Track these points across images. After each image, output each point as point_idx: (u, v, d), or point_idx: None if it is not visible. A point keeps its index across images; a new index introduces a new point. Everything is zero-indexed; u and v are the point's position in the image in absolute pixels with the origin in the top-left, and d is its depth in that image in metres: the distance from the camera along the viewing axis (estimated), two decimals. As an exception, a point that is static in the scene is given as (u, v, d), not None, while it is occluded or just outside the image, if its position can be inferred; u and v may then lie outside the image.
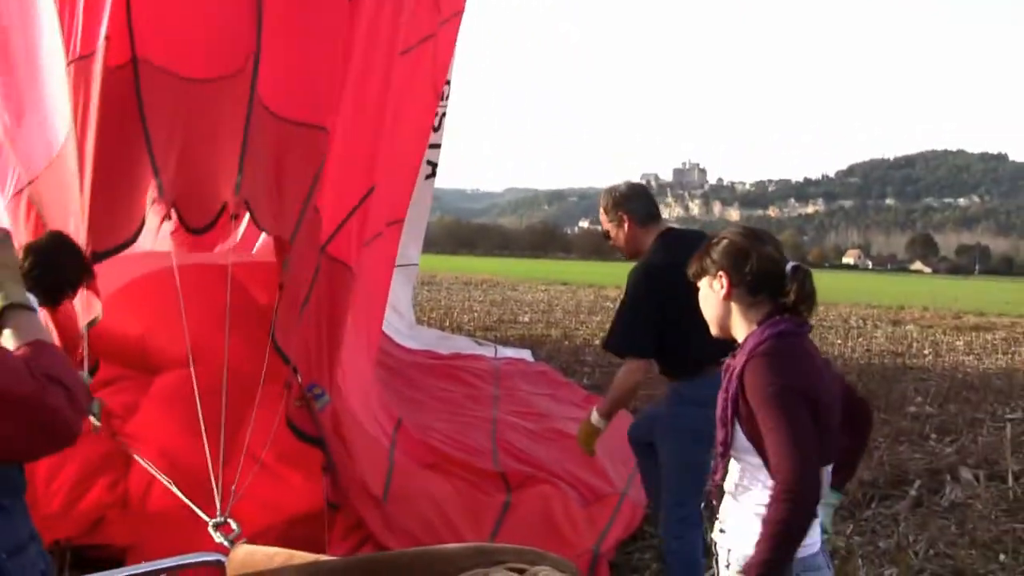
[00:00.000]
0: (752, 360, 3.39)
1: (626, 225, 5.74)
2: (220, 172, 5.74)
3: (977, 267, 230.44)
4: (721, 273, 3.58)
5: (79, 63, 5.75)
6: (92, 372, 5.68)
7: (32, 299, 2.61)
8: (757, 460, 3.38)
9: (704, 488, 5.73)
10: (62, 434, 2.31)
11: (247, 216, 5.87)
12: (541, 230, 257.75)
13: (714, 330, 3.77)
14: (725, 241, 3.62)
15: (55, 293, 4.92)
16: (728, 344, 5.76)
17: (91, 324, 5.55)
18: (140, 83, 5.77)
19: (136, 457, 5.82)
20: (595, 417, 5.75)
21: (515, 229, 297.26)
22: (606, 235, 5.95)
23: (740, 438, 3.44)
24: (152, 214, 5.64)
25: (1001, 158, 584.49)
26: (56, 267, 4.86)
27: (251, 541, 4.59)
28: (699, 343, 5.26)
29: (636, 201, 5.78)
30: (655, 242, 5.69)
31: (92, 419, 5.31)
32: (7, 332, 2.45)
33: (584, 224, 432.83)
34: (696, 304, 5.29)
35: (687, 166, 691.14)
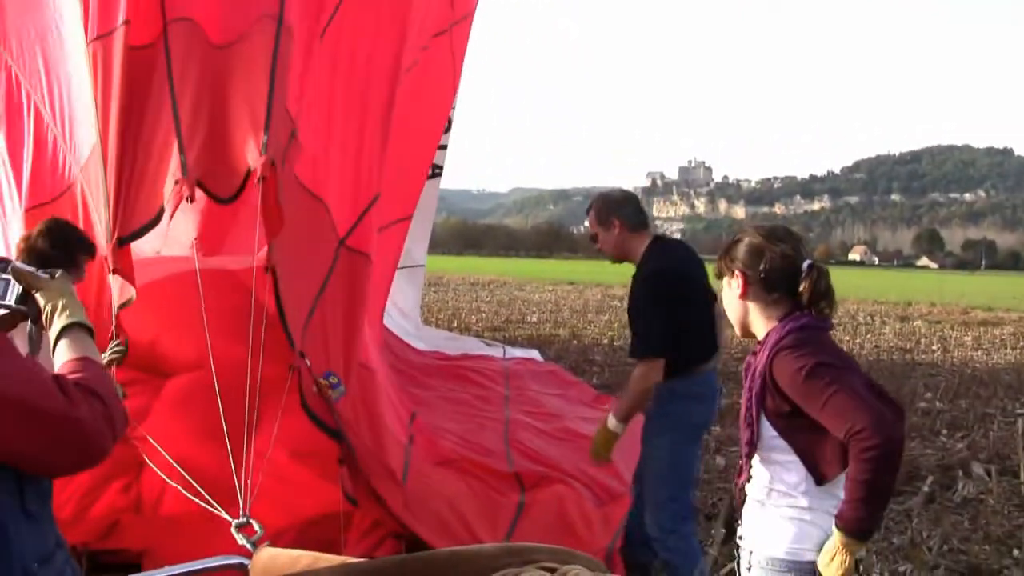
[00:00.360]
0: (778, 354, 3.39)
1: (616, 230, 5.84)
2: (245, 136, 5.73)
3: (984, 262, 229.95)
4: (737, 272, 3.60)
5: (98, 42, 5.77)
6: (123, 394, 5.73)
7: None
8: (785, 458, 3.40)
9: (694, 481, 5.84)
10: (92, 450, 2.29)
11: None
12: (547, 230, 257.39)
13: (736, 330, 3.77)
14: (742, 240, 3.64)
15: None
16: (715, 344, 5.94)
17: (124, 305, 5.60)
18: (170, 54, 5.80)
19: (151, 464, 5.81)
20: (612, 422, 5.75)
21: (521, 229, 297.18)
22: (593, 238, 6.04)
23: (767, 437, 3.44)
24: (170, 198, 5.62)
25: (1007, 152, 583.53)
26: (45, 254, 5.07)
27: (271, 544, 4.60)
28: (688, 343, 5.60)
29: (628, 207, 5.91)
30: (652, 249, 5.83)
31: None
32: (63, 344, 2.52)
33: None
34: (685, 307, 5.56)
35: (692, 164, 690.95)
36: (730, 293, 3.68)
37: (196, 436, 6.33)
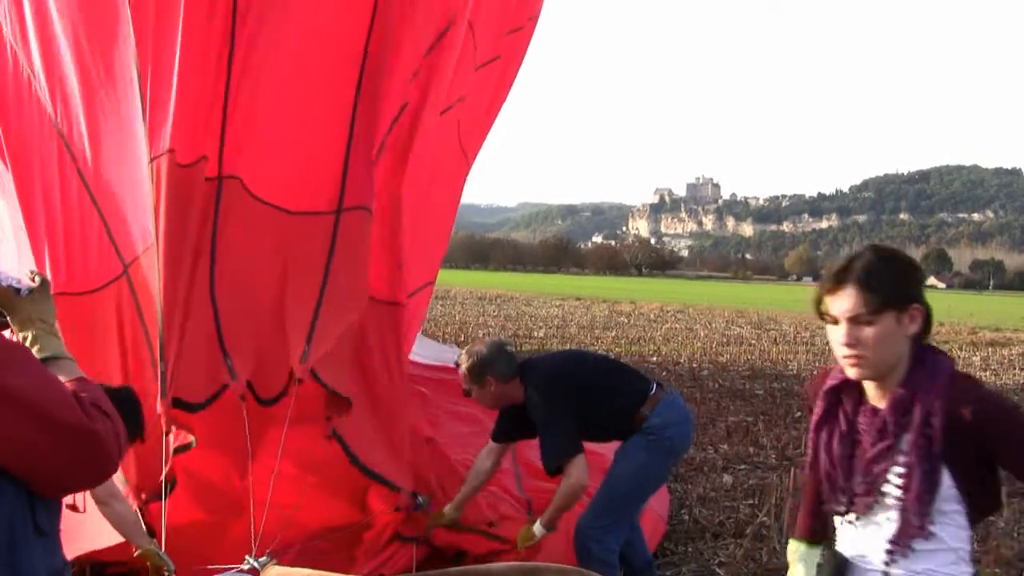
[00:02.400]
0: (972, 395, 3.06)
1: (492, 387, 6.04)
2: (288, 338, 5.95)
3: (992, 282, 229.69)
4: (916, 306, 3.11)
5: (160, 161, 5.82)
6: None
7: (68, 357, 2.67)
8: (953, 507, 3.04)
9: (645, 503, 5.88)
10: (106, 464, 2.34)
11: None
12: (555, 245, 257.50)
13: (870, 372, 3.13)
14: (901, 266, 3.16)
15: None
16: (640, 383, 6.02)
17: (182, 449, 5.73)
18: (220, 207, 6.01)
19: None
20: (538, 529, 5.94)
21: (528, 244, 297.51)
22: (467, 393, 6.22)
23: (945, 487, 3.01)
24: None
25: (1015, 173, 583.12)
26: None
27: (278, 558, 4.59)
28: (620, 407, 5.92)
29: (500, 362, 6.06)
30: (526, 379, 6.03)
31: None
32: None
33: (597, 239, 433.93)
34: (587, 391, 5.88)
35: (701, 181, 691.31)
36: (897, 331, 3.06)
37: (204, 447, 6.32)
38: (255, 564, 4.64)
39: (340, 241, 6.19)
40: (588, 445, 6.37)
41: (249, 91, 5.99)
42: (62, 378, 2.42)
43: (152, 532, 5.58)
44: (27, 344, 2.54)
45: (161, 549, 5.40)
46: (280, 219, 6.11)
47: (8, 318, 2.62)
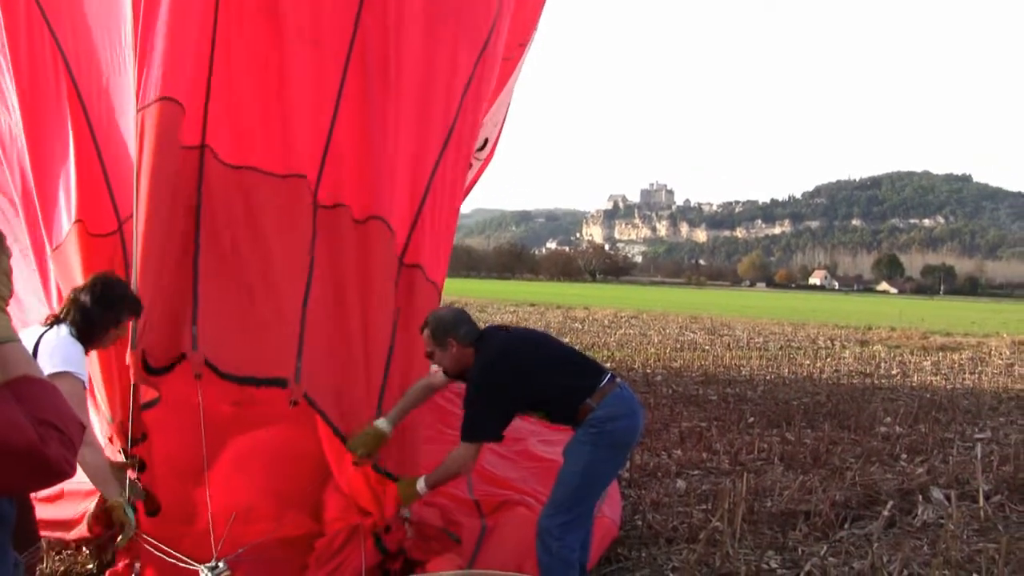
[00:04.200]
0: None
1: (453, 348, 6.11)
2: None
3: (942, 287, 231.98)
4: None
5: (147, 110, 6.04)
6: (142, 467, 5.78)
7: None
8: None
9: (597, 498, 5.90)
10: (55, 478, 2.34)
11: None
12: (509, 251, 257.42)
13: None
14: None
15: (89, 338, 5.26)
16: (591, 372, 6.08)
17: (149, 405, 5.76)
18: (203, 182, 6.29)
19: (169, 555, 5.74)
20: (421, 486, 6.10)
21: (483, 250, 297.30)
22: (429, 355, 6.26)
23: None
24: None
25: (965, 179, 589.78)
26: (91, 315, 5.22)
27: (232, 569, 4.57)
28: (565, 392, 5.91)
29: (462, 327, 6.18)
30: (477, 351, 6.13)
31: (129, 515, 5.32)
32: None
33: (552, 245, 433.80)
34: (532, 373, 5.90)
35: (654, 187, 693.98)
36: None
37: (162, 457, 6.30)
38: (209, 574, 4.61)
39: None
40: (544, 453, 6.41)
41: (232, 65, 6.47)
42: (9, 373, 2.38)
43: (132, 486, 5.58)
44: None
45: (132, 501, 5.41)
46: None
47: None
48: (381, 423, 6.31)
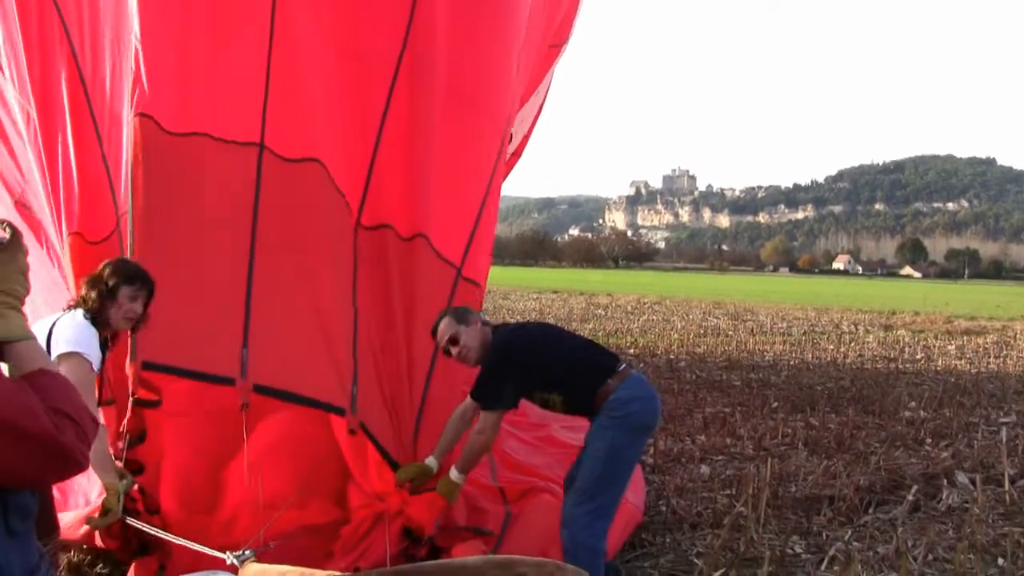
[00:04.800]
0: None
1: (477, 324, 6.24)
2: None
3: (966, 271, 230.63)
4: None
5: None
6: (138, 471, 5.82)
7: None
8: None
9: (625, 482, 5.88)
10: (72, 467, 2.35)
11: None
12: (531, 238, 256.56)
13: None
14: None
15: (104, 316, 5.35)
16: (606, 360, 6.09)
17: (149, 404, 5.84)
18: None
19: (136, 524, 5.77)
20: (455, 475, 6.17)
21: (505, 237, 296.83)
22: (447, 348, 6.27)
23: None
24: None
25: (989, 162, 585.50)
26: (104, 289, 5.30)
27: (256, 555, 4.58)
28: (596, 363, 5.97)
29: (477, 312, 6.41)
30: (498, 331, 6.27)
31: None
32: (5, 366, 2.45)
33: (574, 232, 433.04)
34: (567, 344, 6.04)
35: (677, 173, 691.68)
36: None
37: (185, 446, 6.34)
38: (235, 561, 4.62)
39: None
40: (568, 439, 6.43)
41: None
42: (16, 371, 2.40)
43: (123, 475, 5.62)
44: None
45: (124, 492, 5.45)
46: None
47: None
48: (431, 461, 6.40)
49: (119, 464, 5.69)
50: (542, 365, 5.95)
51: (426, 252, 7.08)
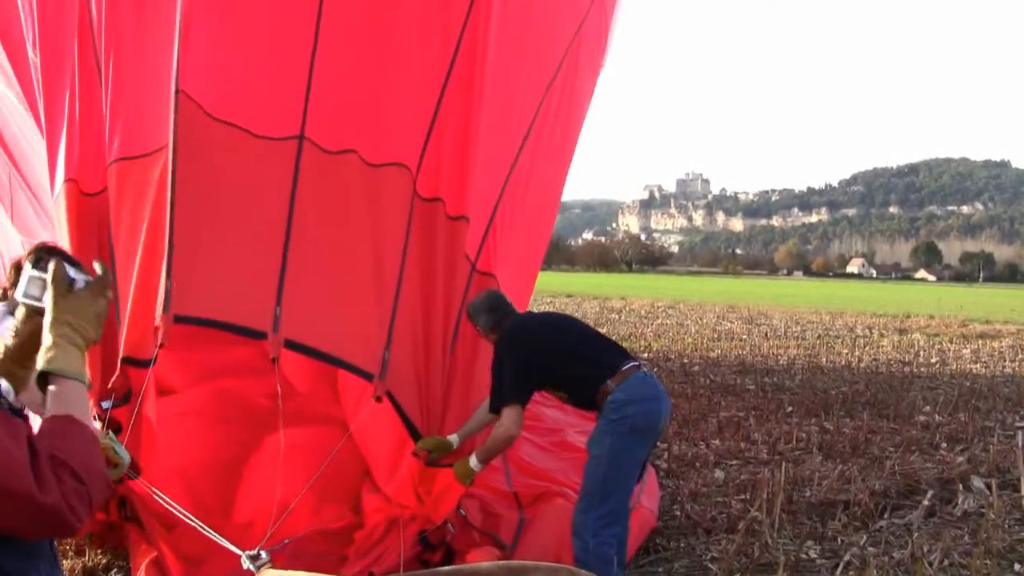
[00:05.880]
0: None
1: (479, 332, 6.53)
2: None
3: (981, 275, 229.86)
4: None
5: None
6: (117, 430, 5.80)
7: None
8: None
9: (633, 485, 5.86)
10: (60, 530, 2.22)
11: None
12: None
13: None
14: None
15: None
16: (623, 349, 6.07)
17: (138, 363, 5.82)
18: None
19: (162, 499, 5.76)
20: (474, 462, 6.23)
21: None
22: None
23: None
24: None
25: (1004, 165, 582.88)
26: None
27: (272, 560, 4.59)
28: (598, 359, 5.97)
29: (481, 316, 6.51)
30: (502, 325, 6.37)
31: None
32: (50, 394, 2.37)
33: (588, 236, 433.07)
34: (574, 336, 6.08)
35: (690, 176, 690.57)
36: None
37: (200, 452, 6.36)
38: (251, 566, 4.63)
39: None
40: (582, 443, 6.44)
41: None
42: (54, 408, 2.34)
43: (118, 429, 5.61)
44: (45, 349, 2.42)
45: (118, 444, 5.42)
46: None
47: (43, 315, 2.46)
48: (452, 438, 6.46)
49: (100, 425, 5.64)
50: (544, 355, 6.01)
51: (464, 233, 7.16)
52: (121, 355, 5.88)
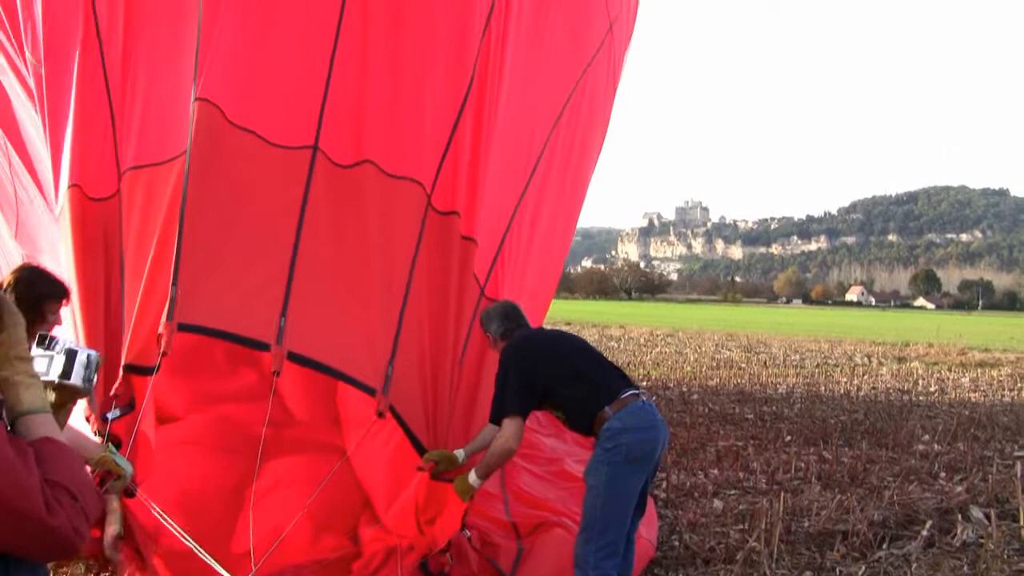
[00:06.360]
0: None
1: (488, 339, 6.60)
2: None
3: (980, 302, 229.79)
4: None
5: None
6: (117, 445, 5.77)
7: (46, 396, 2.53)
8: None
9: (629, 514, 5.84)
10: (61, 550, 2.28)
11: None
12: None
13: None
14: None
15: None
16: (624, 375, 6.07)
17: (140, 371, 5.82)
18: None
19: (160, 514, 5.76)
20: (473, 478, 6.24)
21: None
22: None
23: None
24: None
25: (1003, 193, 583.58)
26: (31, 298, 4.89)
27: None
28: (599, 384, 5.96)
29: (492, 323, 6.56)
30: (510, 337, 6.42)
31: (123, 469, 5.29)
32: (31, 423, 2.42)
33: (587, 263, 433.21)
34: (579, 356, 6.07)
35: (690, 204, 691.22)
36: None
37: (199, 477, 6.36)
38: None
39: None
40: (579, 472, 6.43)
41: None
42: (40, 432, 2.37)
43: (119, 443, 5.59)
44: (11, 392, 2.44)
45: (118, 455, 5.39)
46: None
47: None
48: (459, 452, 6.49)
49: (99, 439, 5.61)
50: (548, 371, 6.02)
51: (471, 256, 7.18)
52: (124, 362, 5.87)
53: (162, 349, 5.77)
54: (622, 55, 9.75)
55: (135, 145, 6.59)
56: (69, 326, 6.01)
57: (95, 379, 2.84)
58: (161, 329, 5.80)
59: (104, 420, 5.72)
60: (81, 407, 5.66)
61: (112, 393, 5.82)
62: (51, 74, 6.79)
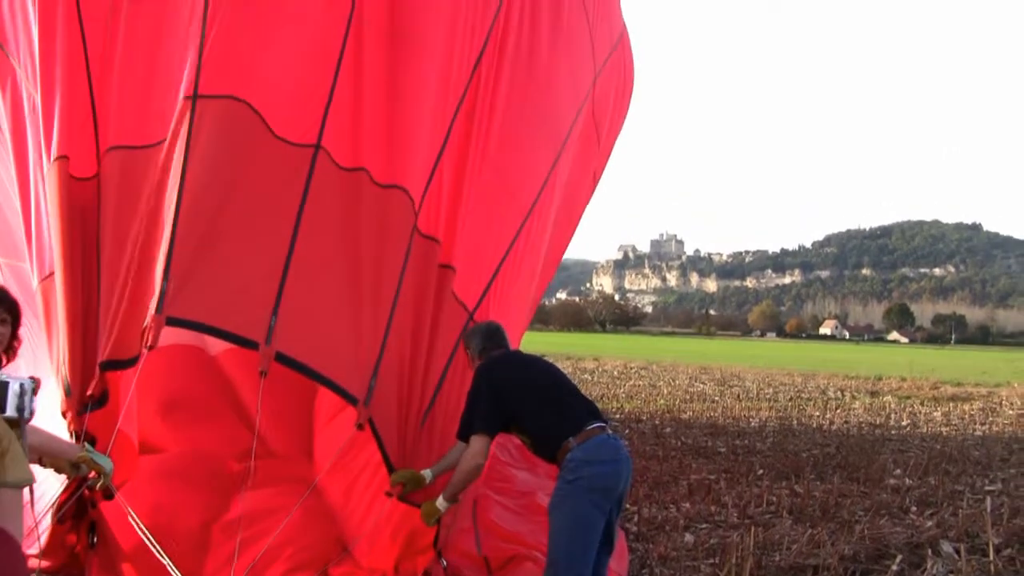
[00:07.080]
0: None
1: (469, 357, 6.66)
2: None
3: (953, 336, 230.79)
4: None
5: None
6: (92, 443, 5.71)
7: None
8: None
9: (594, 548, 5.85)
10: None
11: None
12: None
13: None
14: None
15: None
16: (593, 407, 6.10)
17: (115, 365, 5.79)
18: None
19: (135, 520, 5.75)
20: (441, 502, 6.31)
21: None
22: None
23: None
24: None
25: (975, 228, 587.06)
26: None
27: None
28: (566, 413, 5.96)
29: (474, 339, 6.64)
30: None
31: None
32: None
33: (562, 295, 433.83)
34: (550, 382, 6.07)
35: (664, 237, 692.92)
36: None
37: (170, 513, 6.33)
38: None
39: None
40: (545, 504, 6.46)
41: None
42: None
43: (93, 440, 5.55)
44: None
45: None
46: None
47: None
48: (426, 472, 6.49)
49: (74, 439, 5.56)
50: (518, 393, 6.05)
51: (449, 284, 7.21)
52: (101, 358, 5.80)
53: (147, 342, 5.72)
54: (626, 88, 9.92)
55: (119, 124, 6.56)
56: (39, 329, 6.03)
57: (32, 406, 2.85)
58: (147, 322, 5.75)
59: (80, 418, 5.68)
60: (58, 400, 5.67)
61: (88, 393, 5.79)
62: (43, 50, 6.76)
